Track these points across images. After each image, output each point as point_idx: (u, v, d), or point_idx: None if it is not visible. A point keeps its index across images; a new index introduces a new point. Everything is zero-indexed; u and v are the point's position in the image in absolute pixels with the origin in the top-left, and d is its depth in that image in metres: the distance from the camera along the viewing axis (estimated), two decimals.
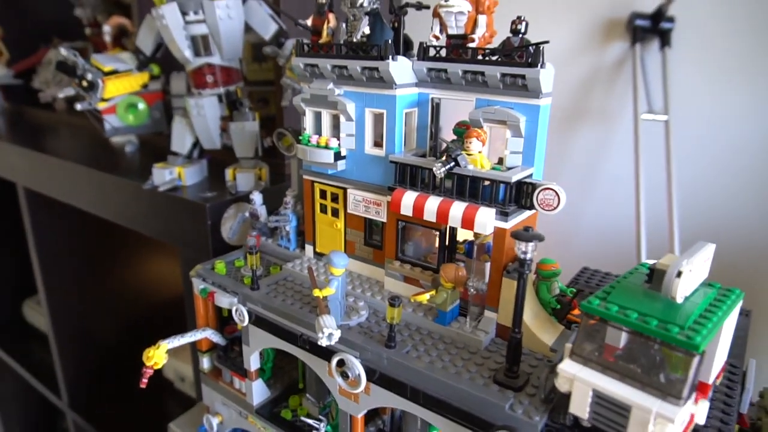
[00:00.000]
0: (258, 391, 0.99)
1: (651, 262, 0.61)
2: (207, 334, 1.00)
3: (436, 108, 0.82)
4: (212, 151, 1.32)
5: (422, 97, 0.87)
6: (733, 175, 1.43)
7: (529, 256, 0.64)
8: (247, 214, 1.11)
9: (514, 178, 0.74)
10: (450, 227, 0.83)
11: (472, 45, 0.79)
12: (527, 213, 0.79)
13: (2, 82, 2.26)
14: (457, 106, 0.86)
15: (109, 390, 2.08)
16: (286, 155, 1.12)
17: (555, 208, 0.73)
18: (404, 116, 0.86)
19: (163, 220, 1.24)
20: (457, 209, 0.76)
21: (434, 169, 0.75)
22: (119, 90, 1.25)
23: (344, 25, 0.85)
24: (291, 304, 0.88)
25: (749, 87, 1.39)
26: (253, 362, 0.96)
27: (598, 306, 0.59)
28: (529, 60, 0.73)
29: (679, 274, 0.55)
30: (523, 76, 0.74)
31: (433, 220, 0.78)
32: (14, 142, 1.72)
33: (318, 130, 0.94)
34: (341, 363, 0.76)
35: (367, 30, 0.82)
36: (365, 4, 0.82)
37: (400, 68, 0.82)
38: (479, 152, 0.78)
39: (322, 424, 0.92)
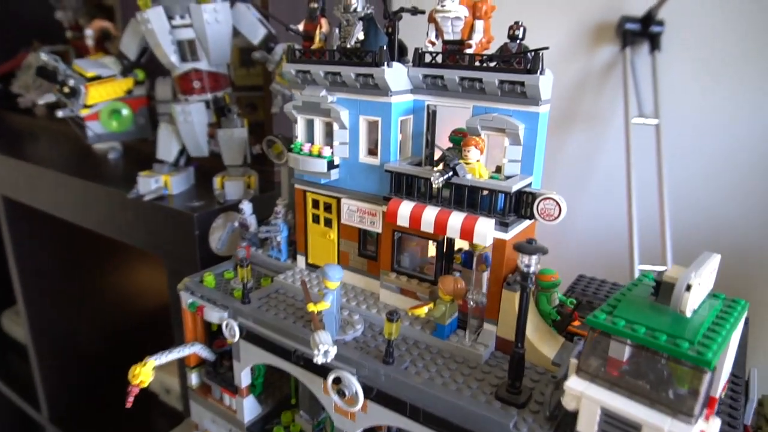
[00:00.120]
0: (249, 408, 0.95)
1: (649, 268, 0.60)
2: (196, 350, 0.97)
3: (432, 115, 0.79)
4: (199, 158, 1.29)
5: (417, 104, 0.85)
6: (724, 179, 1.43)
7: (532, 269, 0.62)
8: (236, 224, 1.08)
9: (514, 188, 0.72)
10: (447, 238, 0.81)
11: (469, 51, 0.77)
12: (526, 223, 0.77)
13: None
14: (453, 114, 0.84)
15: (91, 403, 2.03)
16: (276, 163, 1.09)
17: (556, 218, 0.72)
18: (399, 124, 0.84)
19: (148, 231, 1.20)
20: (456, 220, 0.74)
21: (432, 178, 0.73)
22: (102, 96, 1.22)
23: (337, 30, 0.83)
24: (284, 318, 0.85)
25: (738, 90, 1.39)
26: (244, 378, 0.93)
27: (604, 320, 0.57)
28: (528, 66, 0.72)
29: (688, 287, 0.54)
30: (522, 83, 0.73)
31: (431, 230, 0.76)
32: None
33: (310, 138, 0.91)
34: (337, 380, 0.74)
35: (361, 35, 0.80)
36: (359, 9, 0.80)
37: (396, 75, 0.80)
38: (477, 161, 0.76)
39: None
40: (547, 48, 0.71)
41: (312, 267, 0.99)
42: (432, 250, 0.88)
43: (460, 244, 0.90)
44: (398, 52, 0.86)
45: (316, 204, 0.95)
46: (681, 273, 0.57)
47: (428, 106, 0.83)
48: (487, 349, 0.75)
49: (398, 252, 0.86)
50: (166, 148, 1.23)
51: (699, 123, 1.45)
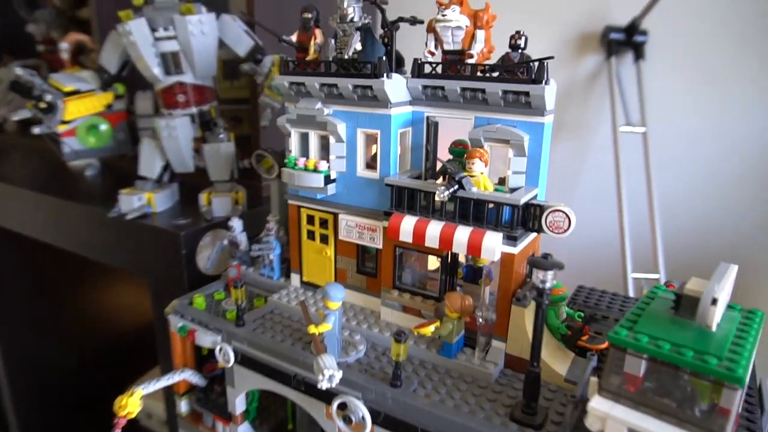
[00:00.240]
0: None
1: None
2: (186, 376, 0.92)
3: (434, 127, 0.77)
4: (183, 174, 1.24)
5: (416, 115, 0.83)
6: (711, 185, 1.44)
7: (548, 285, 0.60)
8: (225, 242, 1.04)
9: (523, 201, 0.70)
10: (452, 253, 0.78)
11: (470, 61, 0.75)
12: (532, 236, 0.75)
13: None
14: (451, 125, 0.82)
15: (66, 428, 1.93)
16: (266, 178, 1.05)
17: (566, 231, 0.70)
18: (399, 136, 0.81)
19: (131, 251, 1.15)
20: (462, 234, 0.71)
21: (437, 192, 0.71)
22: (81, 111, 1.16)
23: (333, 41, 0.81)
24: (281, 340, 0.81)
25: (722, 98, 1.41)
26: (239, 405, 0.88)
27: (626, 337, 0.55)
28: (534, 76, 0.70)
29: (714, 301, 0.52)
30: (526, 93, 0.71)
31: (436, 246, 0.74)
32: None
33: (304, 152, 0.88)
34: (343, 406, 0.70)
35: (358, 46, 0.78)
36: (356, 19, 0.78)
37: (395, 86, 0.78)
38: (482, 173, 0.74)
39: None
40: (552, 57, 0.70)
41: (307, 285, 0.95)
42: (432, 264, 0.86)
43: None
44: (395, 63, 0.84)
45: (311, 220, 0.92)
46: (703, 286, 0.56)
47: (428, 117, 0.81)
48: (497, 367, 0.73)
49: (400, 268, 0.83)
50: (149, 164, 1.18)
51: (684, 131, 1.47)
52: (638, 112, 1.48)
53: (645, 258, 1.40)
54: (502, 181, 0.79)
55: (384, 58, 0.76)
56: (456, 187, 0.70)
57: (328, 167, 0.84)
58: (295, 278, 0.96)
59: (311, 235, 0.92)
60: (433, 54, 0.79)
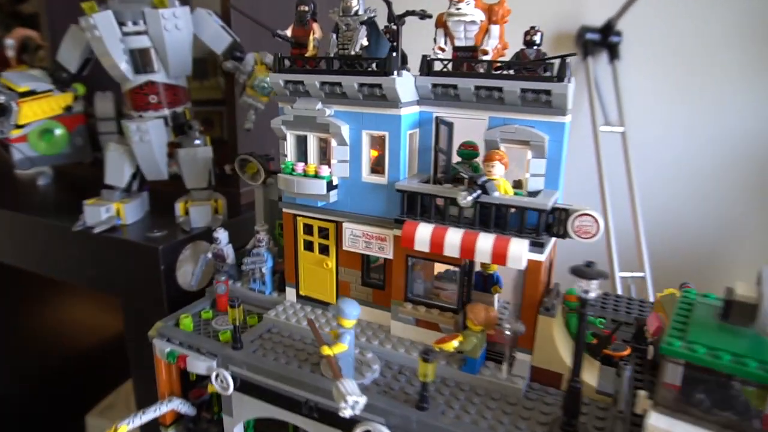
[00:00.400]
0: None
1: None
2: (174, 406, 0.83)
3: (448, 129, 0.73)
4: (152, 181, 1.14)
5: (423, 116, 0.78)
6: (684, 180, 1.47)
7: (592, 295, 0.56)
8: (209, 255, 0.95)
9: (550, 205, 0.66)
10: (469, 262, 0.74)
11: (486, 58, 0.71)
12: (553, 241, 0.72)
13: None
14: (457, 126, 0.77)
15: None
16: (250, 184, 0.98)
17: (594, 236, 0.67)
18: (408, 138, 0.76)
19: (100, 268, 1.04)
20: (485, 242, 0.67)
21: (459, 198, 0.66)
22: (38, 114, 1.05)
23: (334, 35, 0.74)
24: (286, 363, 0.74)
25: (694, 96, 1.44)
26: None
27: (680, 348, 0.52)
28: (555, 74, 0.67)
29: None
30: (547, 92, 0.67)
31: (456, 255, 0.69)
32: None
33: (301, 157, 0.81)
34: None
35: (365, 41, 0.72)
36: (360, 12, 0.72)
37: (405, 84, 0.72)
38: (501, 177, 0.70)
39: None
40: (574, 54, 0.67)
41: (304, 299, 0.88)
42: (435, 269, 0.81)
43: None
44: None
45: (308, 230, 0.85)
46: (750, 291, 0.53)
47: (437, 118, 0.76)
48: (524, 381, 0.69)
49: (411, 279, 0.78)
50: (117, 171, 1.07)
51: (660, 129, 1.49)
52: (616, 112, 1.49)
53: (629, 256, 1.41)
54: (517, 184, 0.75)
55: (395, 54, 0.70)
56: (479, 192, 0.66)
57: (330, 172, 0.78)
58: (290, 292, 0.89)
59: (309, 245, 0.85)
60: (443, 50, 0.74)
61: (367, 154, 0.78)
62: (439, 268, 0.80)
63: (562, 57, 0.67)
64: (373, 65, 0.72)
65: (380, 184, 0.77)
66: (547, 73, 0.69)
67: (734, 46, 1.37)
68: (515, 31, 0.75)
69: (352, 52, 0.72)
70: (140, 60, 1.00)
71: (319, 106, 0.77)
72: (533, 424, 0.63)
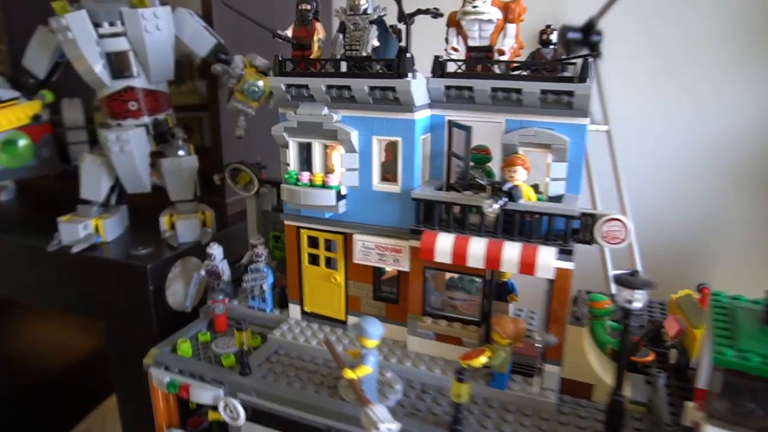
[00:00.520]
0: None
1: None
2: None
3: (467, 133, 0.69)
4: (129, 194, 1.06)
5: (435, 119, 0.74)
6: (672, 177, 1.48)
7: (636, 305, 0.54)
8: (202, 273, 0.89)
9: (579, 211, 0.64)
10: (492, 272, 0.70)
11: (503, 58, 0.68)
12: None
13: None
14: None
15: None
16: (240, 193, 0.92)
17: (622, 242, 0.65)
18: (422, 143, 0.72)
19: (80, 291, 0.96)
20: (511, 252, 0.64)
21: (484, 206, 0.63)
22: (3, 125, 0.96)
23: (341, 36, 0.70)
24: (301, 387, 0.69)
25: (675, 95, 1.46)
26: None
27: (733, 357, 0.50)
28: (578, 74, 0.64)
29: None
30: (570, 93, 0.65)
31: (480, 266, 0.66)
32: None
33: (304, 165, 0.76)
34: None
35: (376, 42, 0.67)
36: (369, 11, 0.68)
37: (418, 87, 0.68)
38: (524, 182, 0.67)
39: None
40: (596, 54, 0.64)
41: (310, 316, 0.83)
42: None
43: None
44: None
45: (313, 242, 0.80)
46: None
47: (449, 121, 0.72)
48: (555, 394, 0.66)
49: (428, 292, 0.74)
50: (94, 185, 0.99)
51: (642, 126, 1.50)
52: (600, 110, 1.50)
53: (620, 253, 1.41)
54: (537, 189, 0.72)
55: (409, 54, 0.66)
56: (506, 199, 0.62)
57: (339, 182, 0.73)
58: (294, 309, 0.84)
59: (314, 259, 0.81)
60: (456, 50, 0.71)
61: (378, 161, 0.73)
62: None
63: (584, 57, 0.64)
64: (387, 67, 0.67)
65: (392, 192, 0.73)
66: (566, 73, 0.67)
67: (716, 44, 1.39)
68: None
69: (363, 53, 0.68)
70: (117, 64, 0.93)
71: (326, 111, 0.72)
72: None
